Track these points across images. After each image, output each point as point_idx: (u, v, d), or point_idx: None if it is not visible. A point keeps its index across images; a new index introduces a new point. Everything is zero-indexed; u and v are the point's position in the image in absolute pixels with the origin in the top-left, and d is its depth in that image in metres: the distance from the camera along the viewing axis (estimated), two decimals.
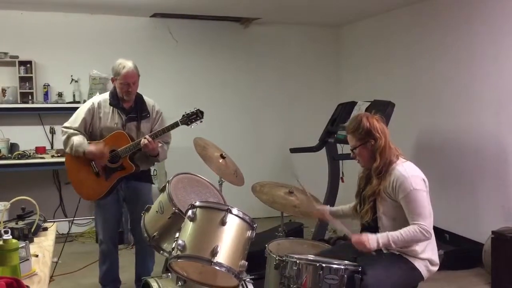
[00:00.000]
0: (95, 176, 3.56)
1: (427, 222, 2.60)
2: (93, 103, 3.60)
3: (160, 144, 3.60)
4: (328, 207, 3.21)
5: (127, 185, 3.66)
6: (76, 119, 3.58)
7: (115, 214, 3.73)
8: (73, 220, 4.90)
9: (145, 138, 3.45)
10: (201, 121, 3.52)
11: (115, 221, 3.76)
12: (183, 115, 3.51)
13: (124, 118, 3.58)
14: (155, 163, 3.94)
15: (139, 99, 3.66)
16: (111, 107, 3.58)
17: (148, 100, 3.72)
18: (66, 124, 3.61)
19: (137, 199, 3.67)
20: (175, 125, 3.49)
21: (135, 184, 3.67)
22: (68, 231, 5.22)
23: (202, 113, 3.51)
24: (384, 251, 2.70)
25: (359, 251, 2.68)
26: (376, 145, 2.73)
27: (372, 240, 2.61)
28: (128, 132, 3.56)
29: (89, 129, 3.59)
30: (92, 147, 3.48)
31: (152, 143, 3.45)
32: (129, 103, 3.61)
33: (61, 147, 5.41)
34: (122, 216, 3.82)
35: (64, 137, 3.57)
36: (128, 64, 3.51)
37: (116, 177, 3.57)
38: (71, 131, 3.55)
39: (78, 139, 3.51)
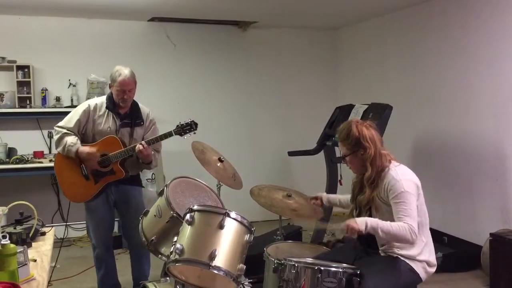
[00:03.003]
0: (84, 179, 3.57)
1: (415, 224, 2.58)
2: (89, 105, 3.60)
3: (152, 152, 3.59)
4: (325, 194, 3.22)
5: (117, 189, 3.66)
6: (70, 119, 3.59)
7: (106, 217, 3.71)
8: (67, 224, 4.90)
9: (140, 144, 3.45)
10: (194, 133, 3.53)
11: (106, 224, 3.73)
12: (177, 126, 3.52)
13: (118, 123, 3.59)
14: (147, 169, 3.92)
15: (135, 106, 3.67)
16: (107, 111, 3.59)
17: (144, 108, 3.74)
18: (60, 124, 3.62)
19: (127, 202, 3.67)
20: (168, 134, 3.50)
21: (125, 188, 3.67)
22: (66, 236, 5.21)
23: (196, 124, 3.52)
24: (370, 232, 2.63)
25: (356, 254, 2.68)
26: (365, 154, 2.72)
27: (360, 221, 2.59)
28: (120, 137, 3.57)
29: (82, 131, 3.60)
30: (85, 147, 3.51)
31: (147, 149, 3.46)
32: (125, 109, 3.62)
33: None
34: (114, 219, 3.80)
35: (57, 136, 3.57)
36: (124, 72, 3.52)
37: (105, 181, 3.58)
38: (65, 131, 3.55)
39: (71, 139, 3.52)
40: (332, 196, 3.22)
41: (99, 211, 3.65)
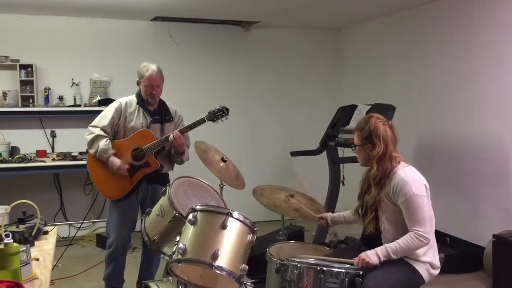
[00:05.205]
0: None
1: (425, 228, 2.59)
2: (120, 102, 3.63)
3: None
4: (330, 214, 3.22)
5: (148, 188, 3.66)
6: (104, 117, 3.59)
7: (132, 217, 3.71)
8: (81, 224, 4.91)
9: (173, 132, 3.47)
10: (226, 118, 3.55)
11: (130, 223, 3.72)
12: (209, 112, 3.54)
13: (149, 119, 3.62)
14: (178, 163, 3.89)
15: (163, 104, 3.72)
16: (137, 107, 3.61)
17: (171, 105, 3.78)
18: (93, 123, 3.62)
19: (153, 202, 3.65)
20: (201, 121, 3.52)
21: (154, 187, 3.65)
22: (73, 234, 5.21)
23: (227, 110, 3.54)
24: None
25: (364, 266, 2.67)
26: (373, 151, 2.73)
27: (372, 256, 2.62)
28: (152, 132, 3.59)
29: (115, 128, 3.61)
30: (116, 161, 3.50)
31: (180, 138, 3.47)
32: (154, 106, 3.65)
33: (62, 150, 5.50)
34: (137, 219, 3.78)
35: (90, 137, 3.56)
36: (152, 67, 3.56)
37: (141, 174, 3.58)
38: (97, 131, 3.54)
39: (103, 144, 3.50)
40: (336, 215, 3.21)
41: (127, 209, 3.65)
